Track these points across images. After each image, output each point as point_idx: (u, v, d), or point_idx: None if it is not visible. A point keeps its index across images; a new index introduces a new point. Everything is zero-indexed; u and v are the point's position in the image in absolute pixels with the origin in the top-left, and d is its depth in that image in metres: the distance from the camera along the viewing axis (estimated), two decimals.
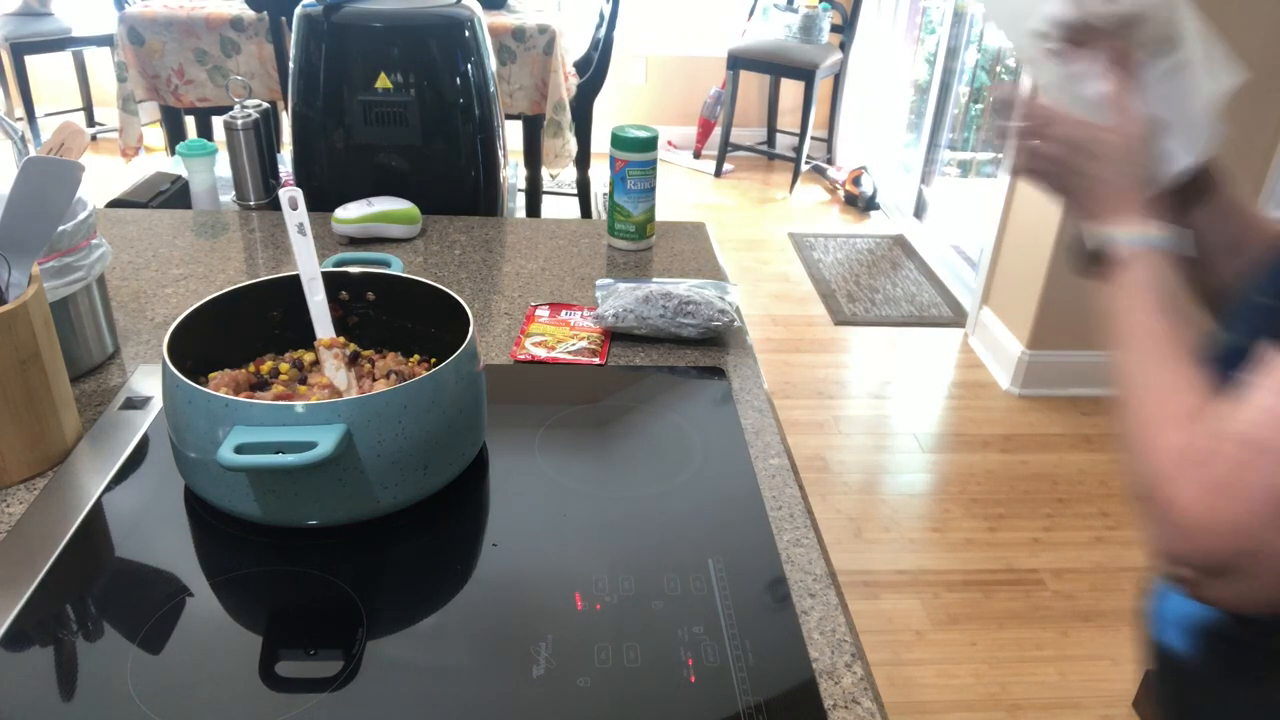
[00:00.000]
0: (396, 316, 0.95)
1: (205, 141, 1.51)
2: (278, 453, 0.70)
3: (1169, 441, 0.63)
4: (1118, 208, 0.74)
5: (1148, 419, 0.65)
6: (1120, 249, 0.73)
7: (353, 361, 0.90)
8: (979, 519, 2.35)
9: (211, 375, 0.86)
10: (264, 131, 1.48)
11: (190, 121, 3.02)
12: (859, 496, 2.42)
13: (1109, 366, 0.71)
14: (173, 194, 1.51)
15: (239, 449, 0.70)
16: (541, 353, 1.06)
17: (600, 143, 2.58)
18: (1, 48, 3.77)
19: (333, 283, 0.92)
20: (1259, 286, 0.73)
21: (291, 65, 1.40)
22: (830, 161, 4.70)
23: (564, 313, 1.15)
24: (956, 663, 1.95)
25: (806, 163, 4.45)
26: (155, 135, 3.59)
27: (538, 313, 1.15)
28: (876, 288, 3.49)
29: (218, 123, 2.89)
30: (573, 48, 3.33)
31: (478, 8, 1.44)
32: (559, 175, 3.21)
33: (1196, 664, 0.74)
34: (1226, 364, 0.68)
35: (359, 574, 0.74)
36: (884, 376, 2.96)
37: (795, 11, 4.32)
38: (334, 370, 0.87)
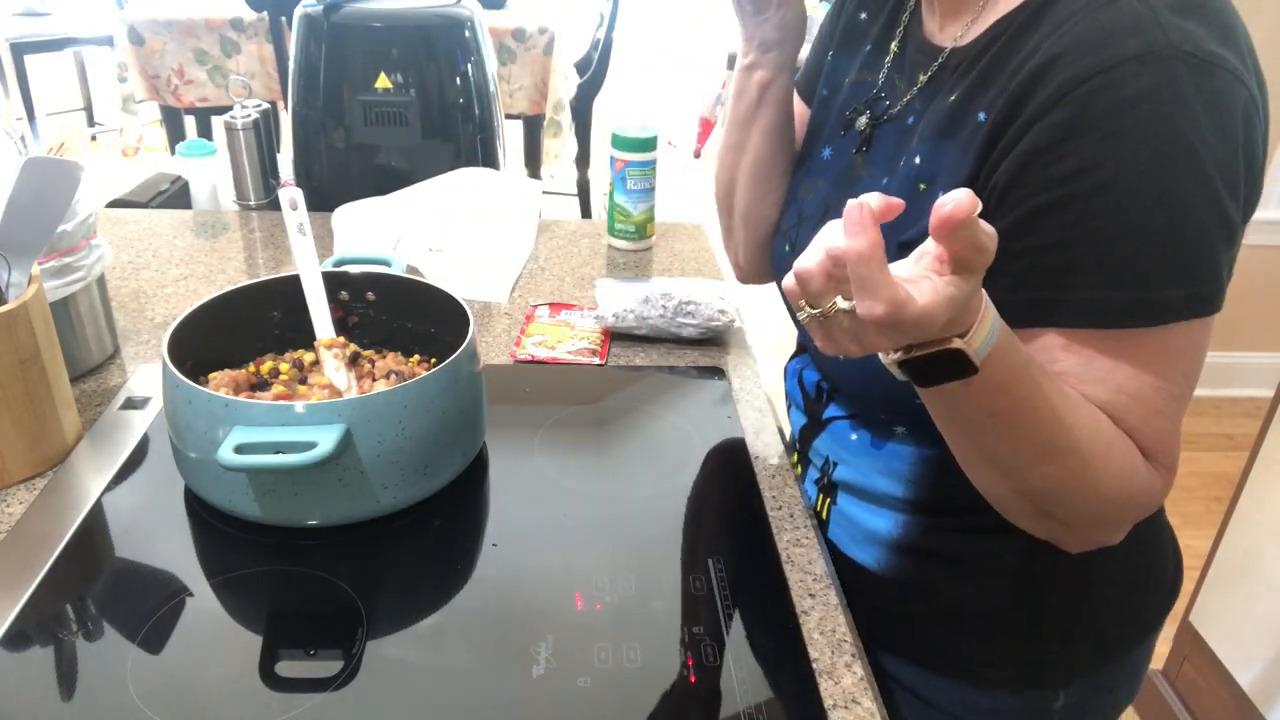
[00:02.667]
0: (396, 316, 0.95)
1: (205, 141, 1.51)
2: (278, 453, 0.70)
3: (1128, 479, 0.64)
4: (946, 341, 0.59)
5: (1105, 470, 0.63)
6: (974, 360, 0.57)
7: (353, 361, 0.89)
8: None
9: (211, 375, 0.86)
10: (264, 131, 1.48)
11: (190, 121, 3.02)
12: None
13: (1017, 451, 0.63)
14: (173, 194, 1.51)
15: (239, 449, 0.70)
16: (542, 352, 1.06)
17: (600, 143, 2.57)
18: (2, 48, 3.76)
19: (333, 283, 0.92)
20: None
21: (291, 65, 1.40)
22: None
23: (564, 313, 1.15)
24: None
25: None
26: (155, 135, 3.59)
27: (537, 313, 1.15)
28: None
29: (218, 123, 2.89)
30: (572, 48, 3.33)
31: (478, 8, 1.44)
32: (557, 175, 3.21)
33: (880, 572, 0.81)
34: None
35: (359, 574, 0.74)
36: None
37: None
38: (334, 370, 0.87)
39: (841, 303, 0.53)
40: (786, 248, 0.86)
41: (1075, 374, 0.63)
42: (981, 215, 0.54)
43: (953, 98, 0.67)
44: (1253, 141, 0.60)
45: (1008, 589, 0.78)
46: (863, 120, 0.76)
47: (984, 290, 0.55)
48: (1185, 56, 0.57)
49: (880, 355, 0.58)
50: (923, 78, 0.73)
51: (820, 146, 0.84)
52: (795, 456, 0.94)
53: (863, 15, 0.83)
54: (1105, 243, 0.59)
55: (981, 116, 0.64)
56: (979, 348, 0.55)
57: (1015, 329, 0.60)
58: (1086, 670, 0.81)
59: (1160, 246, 0.58)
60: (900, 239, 0.68)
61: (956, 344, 0.55)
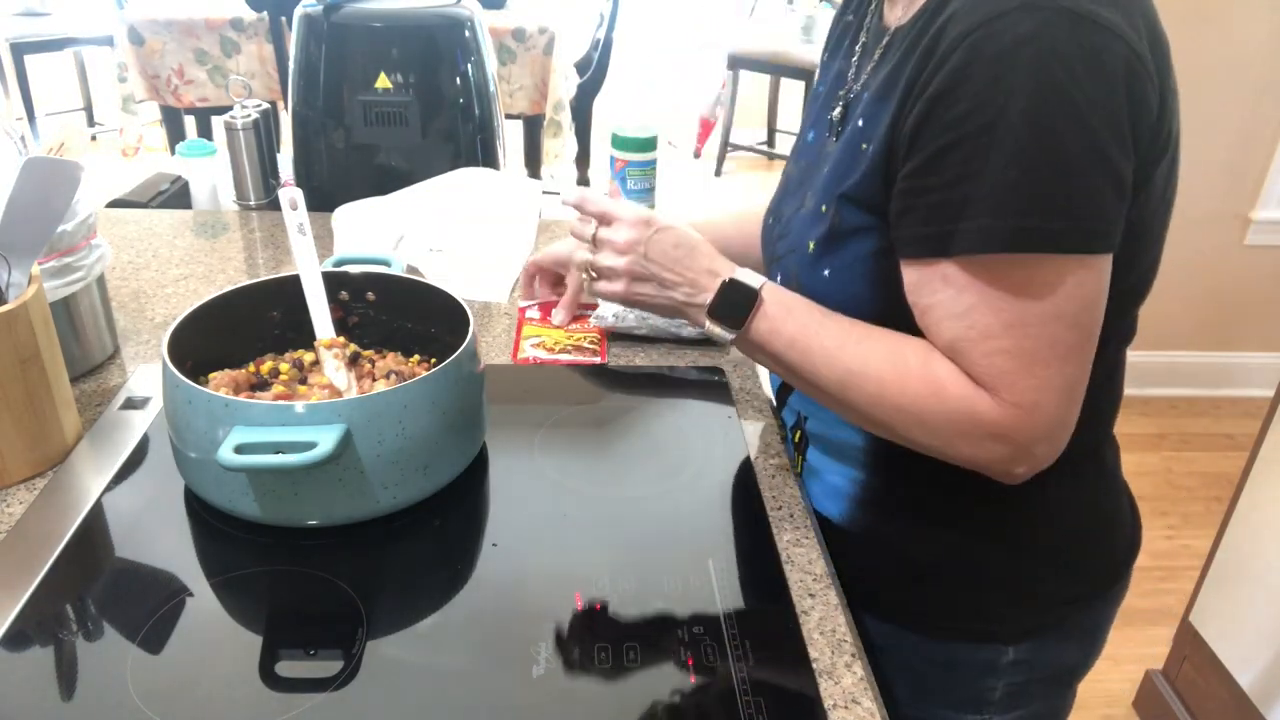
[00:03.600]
0: (396, 316, 0.95)
1: (205, 141, 1.51)
2: (278, 453, 0.70)
3: (965, 410, 0.70)
4: (717, 280, 0.79)
5: (917, 392, 0.71)
6: (752, 289, 0.78)
7: (353, 362, 0.90)
8: None
9: (211, 375, 0.86)
10: (264, 131, 1.48)
11: (190, 121, 3.02)
12: None
13: (830, 381, 0.75)
14: (173, 194, 1.51)
15: (239, 449, 0.70)
16: (541, 354, 1.06)
17: (600, 143, 2.57)
18: (2, 48, 3.76)
19: (333, 283, 0.92)
20: None
21: (291, 65, 1.40)
22: None
23: (554, 312, 1.15)
24: None
25: None
26: (155, 135, 3.59)
27: (527, 315, 1.15)
28: None
29: (218, 123, 2.88)
30: (572, 48, 3.33)
31: (478, 8, 1.44)
32: (557, 175, 3.21)
33: (843, 525, 0.86)
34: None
35: (359, 574, 0.74)
36: None
37: (795, 11, 4.32)
38: (334, 370, 0.87)
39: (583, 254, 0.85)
40: (770, 220, 0.92)
41: (943, 307, 0.69)
42: (896, 158, 0.70)
43: (888, 68, 0.73)
44: (1138, 96, 0.64)
45: (959, 543, 0.82)
46: (836, 111, 0.82)
47: None
48: (1063, 10, 0.62)
49: (703, 320, 0.79)
50: (879, 54, 0.78)
51: (807, 131, 0.90)
52: (778, 420, 0.98)
53: (849, 16, 0.89)
54: (993, 177, 0.64)
55: (906, 77, 0.70)
56: (749, 281, 0.77)
57: (918, 261, 0.70)
58: (1035, 627, 0.84)
59: (1035, 180, 0.63)
60: (839, 191, 0.75)
61: (732, 276, 0.78)
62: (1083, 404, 0.73)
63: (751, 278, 0.79)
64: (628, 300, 0.84)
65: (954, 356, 0.70)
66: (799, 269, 0.81)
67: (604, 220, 0.84)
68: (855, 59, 0.83)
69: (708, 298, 0.79)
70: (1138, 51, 0.64)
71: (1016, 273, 0.66)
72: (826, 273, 0.78)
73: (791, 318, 0.77)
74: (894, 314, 0.73)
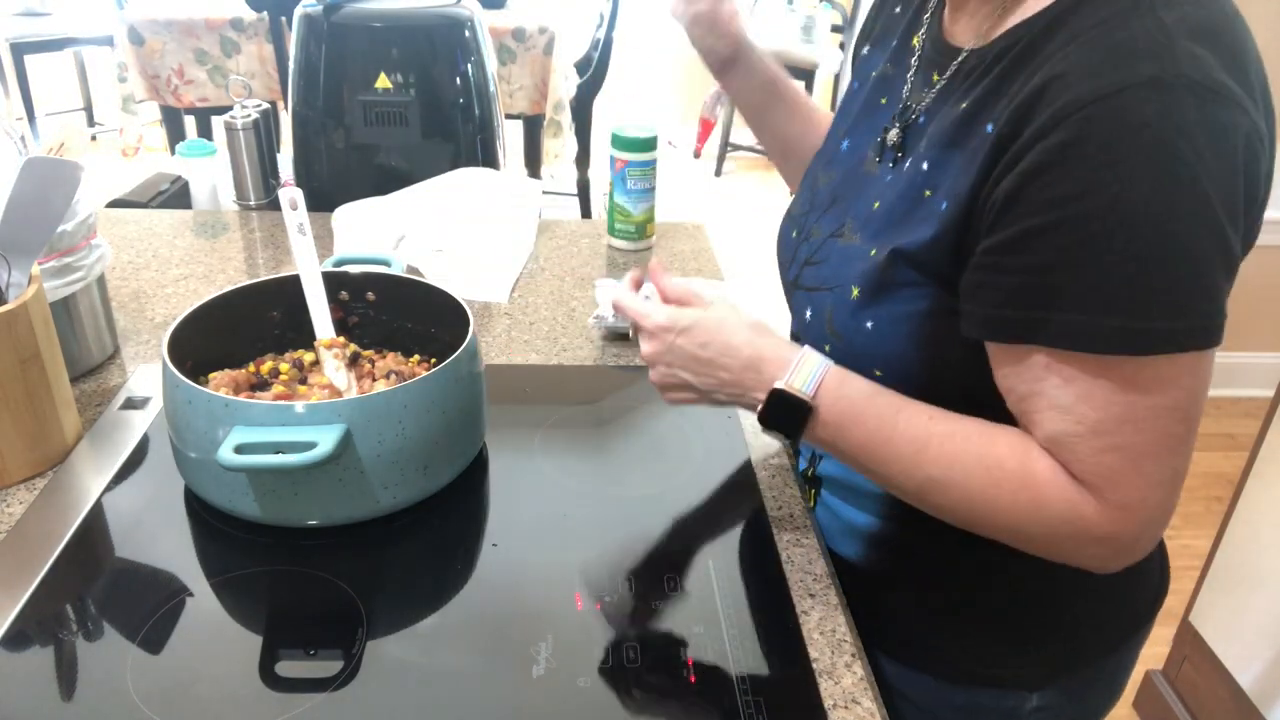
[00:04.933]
0: (396, 316, 0.95)
1: (205, 141, 1.51)
2: (277, 453, 0.70)
3: (1057, 514, 0.64)
4: (763, 378, 0.71)
5: (1012, 504, 0.65)
6: (804, 401, 0.69)
7: (353, 362, 0.89)
8: None
9: (211, 375, 0.86)
10: (264, 131, 1.48)
11: (190, 121, 3.02)
12: None
13: (909, 489, 0.69)
14: (173, 194, 1.51)
15: (239, 449, 0.70)
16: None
17: (600, 143, 2.57)
18: (2, 48, 3.76)
19: (333, 283, 0.92)
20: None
21: (291, 65, 1.40)
22: None
23: None
24: None
25: None
26: (155, 135, 3.59)
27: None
28: None
29: (218, 123, 2.89)
30: (572, 48, 3.33)
31: (478, 8, 1.44)
32: (557, 175, 3.21)
33: (860, 565, 0.83)
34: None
35: (359, 574, 0.74)
36: None
37: (795, 11, 4.32)
38: (334, 370, 0.87)
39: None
40: (794, 234, 0.86)
41: (1049, 396, 0.62)
42: (979, 229, 0.63)
43: (964, 105, 0.67)
44: (1255, 172, 0.60)
45: (983, 588, 0.79)
46: (893, 135, 0.75)
47: (806, 344, 0.71)
48: (1193, 85, 0.56)
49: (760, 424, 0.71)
50: (938, 78, 0.72)
51: (841, 138, 0.84)
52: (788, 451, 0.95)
53: (896, 9, 0.83)
54: (1099, 268, 0.58)
55: (989, 128, 0.64)
56: (801, 386, 0.68)
57: (1002, 344, 0.64)
58: (1060, 674, 0.81)
59: (1155, 276, 0.58)
60: (896, 244, 0.69)
61: (777, 385, 0.69)
62: None
63: (803, 378, 0.69)
64: (683, 403, 0.78)
65: (1056, 450, 0.64)
66: (835, 310, 0.74)
67: (635, 326, 0.78)
68: (911, 73, 0.76)
69: (757, 402, 0.71)
70: (1257, 124, 0.59)
71: (1127, 366, 0.60)
72: (870, 324, 0.71)
73: (858, 425, 0.69)
74: (940, 379, 0.69)
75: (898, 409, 0.68)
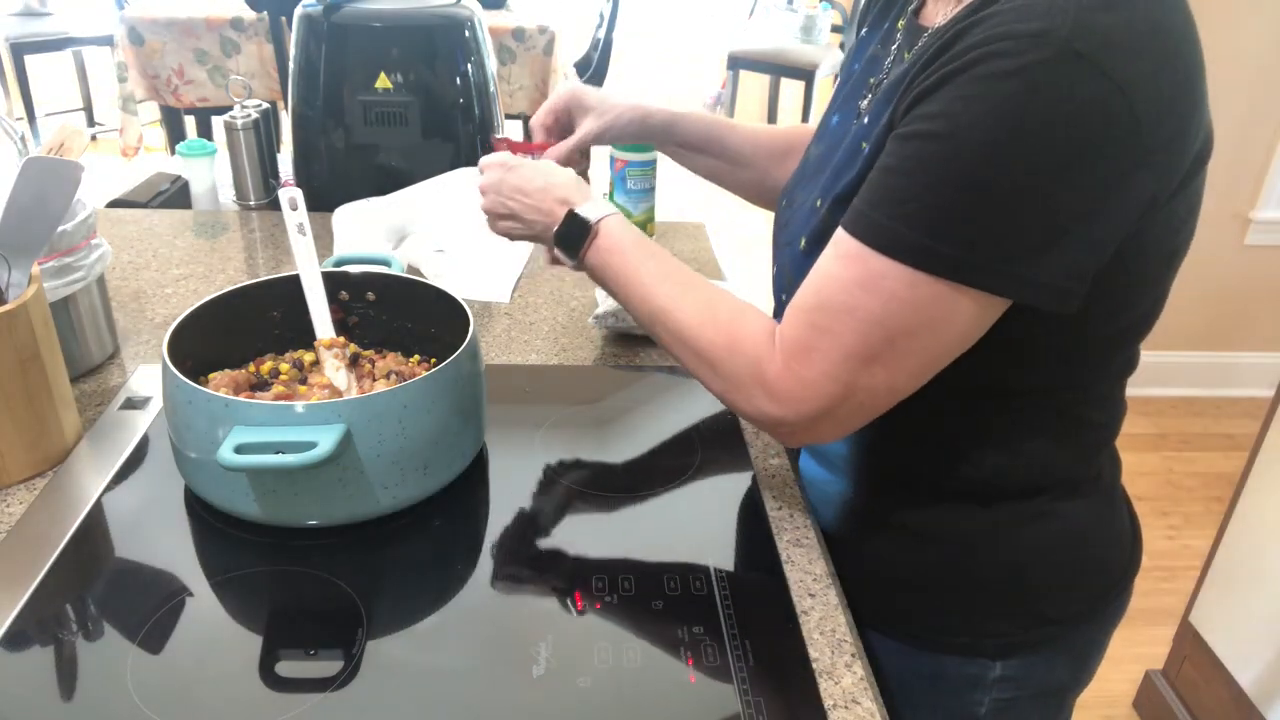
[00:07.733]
0: (396, 316, 0.95)
1: (205, 141, 1.51)
2: (278, 453, 0.70)
3: (747, 345, 0.72)
4: (565, 206, 0.84)
5: (712, 340, 0.74)
6: (587, 222, 0.82)
7: (353, 362, 0.90)
8: None
9: (211, 375, 0.86)
10: (264, 131, 1.48)
11: (190, 121, 3.02)
12: None
13: (643, 314, 0.79)
14: (173, 194, 1.51)
15: (239, 449, 0.70)
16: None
17: None
18: (1, 48, 3.76)
19: (333, 283, 0.92)
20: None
21: (291, 65, 1.40)
22: None
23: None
24: None
25: None
26: (155, 135, 3.59)
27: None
28: None
29: (218, 123, 2.88)
30: (572, 48, 3.33)
31: (478, 8, 1.44)
32: None
33: (831, 533, 0.86)
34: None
35: (359, 574, 0.74)
36: None
37: (795, 11, 4.32)
38: (334, 370, 0.87)
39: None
40: (783, 203, 0.90)
41: (818, 266, 0.70)
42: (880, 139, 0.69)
43: (904, 67, 0.71)
44: (1114, 156, 0.61)
45: (948, 556, 0.81)
46: (865, 102, 0.80)
47: (585, 181, 0.88)
48: (1071, 54, 0.58)
49: (554, 249, 0.86)
50: (907, 56, 0.76)
51: (833, 114, 0.88)
52: None
53: None
54: (923, 183, 0.63)
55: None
56: (590, 215, 0.82)
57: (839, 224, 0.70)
58: (1024, 644, 0.83)
59: (963, 208, 0.62)
60: (834, 191, 0.74)
61: (572, 208, 0.83)
62: (1082, 429, 0.71)
63: (594, 210, 0.83)
64: (506, 235, 0.91)
65: (785, 316, 0.71)
66: (790, 264, 0.80)
67: (481, 167, 0.93)
68: (892, 56, 0.80)
69: (557, 222, 0.84)
70: (1135, 112, 0.59)
71: (890, 271, 0.64)
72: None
73: (622, 252, 0.81)
74: None
75: (661, 255, 0.81)
